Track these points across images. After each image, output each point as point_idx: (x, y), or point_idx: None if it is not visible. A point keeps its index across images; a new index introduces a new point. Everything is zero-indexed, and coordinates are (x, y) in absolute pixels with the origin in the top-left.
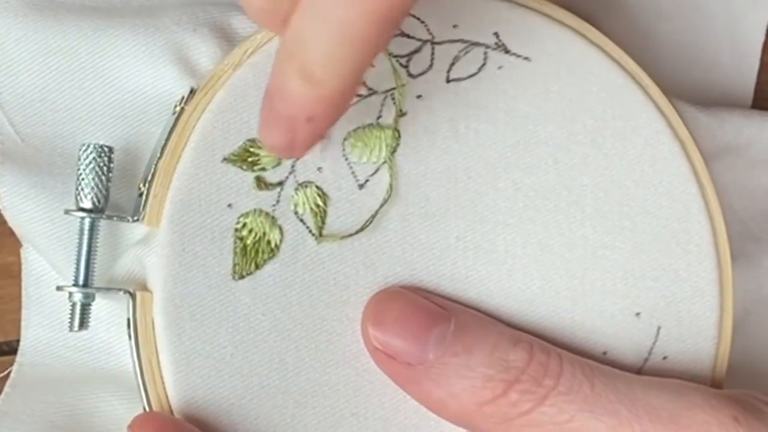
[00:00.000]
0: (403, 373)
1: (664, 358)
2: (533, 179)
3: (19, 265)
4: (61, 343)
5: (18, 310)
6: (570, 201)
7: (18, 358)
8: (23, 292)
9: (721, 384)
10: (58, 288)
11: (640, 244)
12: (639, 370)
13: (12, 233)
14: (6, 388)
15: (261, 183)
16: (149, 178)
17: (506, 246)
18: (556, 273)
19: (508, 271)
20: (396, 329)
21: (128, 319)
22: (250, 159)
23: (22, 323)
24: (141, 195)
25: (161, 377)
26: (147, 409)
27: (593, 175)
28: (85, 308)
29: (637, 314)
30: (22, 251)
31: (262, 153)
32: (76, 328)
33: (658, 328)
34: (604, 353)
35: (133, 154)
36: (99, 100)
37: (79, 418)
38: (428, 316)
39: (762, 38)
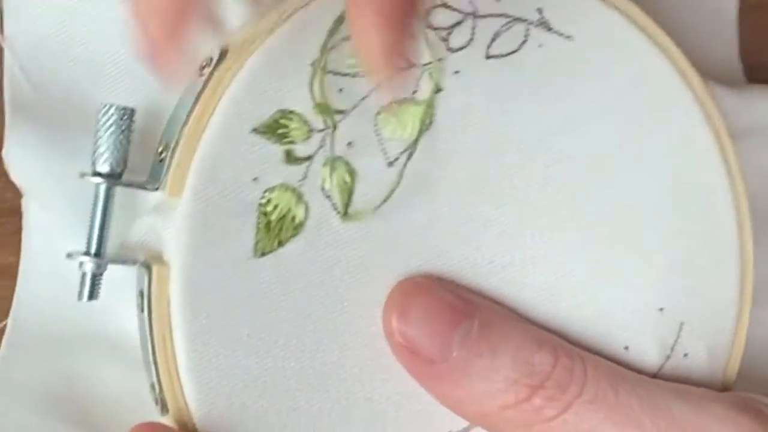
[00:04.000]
0: (424, 369)
1: (685, 355)
2: (567, 164)
3: (18, 266)
4: (60, 300)
5: None
6: (602, 188)
7: (12, 313)
8: (23, 242)
9: (731, 382)
10: (68, 255)
11: (669, 237)
12: (661, 367)
13: (13, 233)
14: (2, 350)
15: (290, 157)
16: (173, 145)
17: (533, 232)
18: (581, 262)
19: (533, 258)
20: (420, 325)
21: (140, 291)
22: (279, 131)
23: (19, 274)
24: (161, 161)
25: (174, 355)
26: (157, 387)
27: (628, 163)
28: (96, 278)
29: (661, 309)
30: (24, 201)
31: (292, 125)
32: (85, 299)
33: (681, 324)
34: (626, 348)
35: (153, 114)
36: (121, 54)
37: (78, 388)
38: (453, 313)
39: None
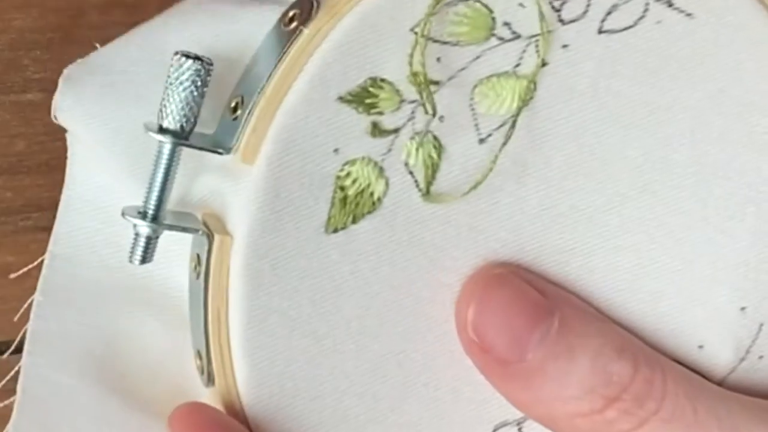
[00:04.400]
0: (495, 367)
1: (760, 357)
2: (665, 150)
3: (17, 266)
4: (100, 237)
5: (16, 311)
6: (698, 179)
7: (50, 246)
8: (67, 170)
9: None
10: (123, 214)
11: (762, 232)
12: (733, 369)
13: (12, 233)
14: (37, 296)
15: (376, 129)
16: (250, 106)
17: (620, 220)
18: (666, 254)
19: (615, 247)
20: (498, 322)
21: (197, 255)
22: (368, 100)
23: (60, 205)
24: (234, 119)
25: (227, 330)
26: (206, 359)
27: (730, 153)
28: (151, 242)
29: (743, 309)
30: (68, 135)
31: (382, 94)
32: (137, 262)
33: (761, 325)
34: (701, 347)
35: (225, 59)
36: None
37: (116, 344)
38: (535, 310)
39: None
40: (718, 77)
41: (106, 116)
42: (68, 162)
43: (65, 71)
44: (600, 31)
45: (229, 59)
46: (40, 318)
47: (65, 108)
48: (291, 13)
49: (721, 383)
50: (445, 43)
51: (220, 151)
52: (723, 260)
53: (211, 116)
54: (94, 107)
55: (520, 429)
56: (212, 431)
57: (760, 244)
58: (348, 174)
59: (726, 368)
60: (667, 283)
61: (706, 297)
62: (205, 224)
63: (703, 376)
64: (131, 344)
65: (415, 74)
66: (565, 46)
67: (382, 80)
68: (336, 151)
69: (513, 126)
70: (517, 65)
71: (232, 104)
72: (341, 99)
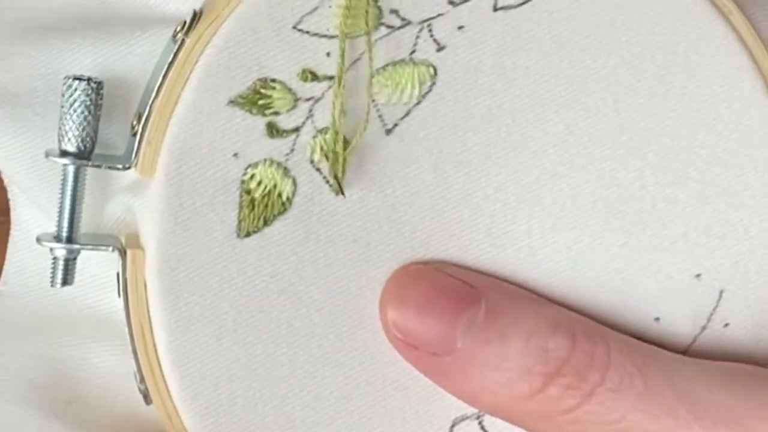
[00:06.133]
0: (428, 363)
1: (726, 325)
2: (589, 122)
3: None
4: (47, 277)
5: None
6: (630, 147)
7: (0, 287)
8: (11, 212)
9: None
10: (38, 240)
11: (707, 196)
12: (695, 339)
13: (8, 234)
14: None
15: (273, 130)
16: (143, 120)
17: (553, 198)
18: (608, 229)
19: (553, 226)
20: (418, 316)
21: (117, 274)
22: (261, 102)
23: (9, 245)
24: (134, 134)
25: (154, 345)
26: (138, 377)
27: (659, 118)
28: (69, 263)
29: (698, 276)
30: (3, 176)
31: (275, 95)
32: (58, 285)
33: (721, 292)
34: (657, 319)
35: (127, 80)
36: (89, 15)
37: (63, 373)
38: (456, 299)
39: None
40: (633, 41)
41: (19, 148)
42: (11, 203)
43: None
44: (495, 9)
45: (133, 81)
46: None
47: None
48: (178, 27)
49: (684, 354)
50: (332, 36)
51: (119, 166)
52: (669, 228)
53: (123, 140)
54: (5, 139)
55: (480, 422)
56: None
57: (708, 208)
58: (252, 177)
59: (687, 338)
60: (614, 257)
61: (656, 267)
62: (122, 244)
63: (666, 349)
64: (79, 371)
65: (304, 72)
66: (461, 27)
67: (273, 80)
68: (236, 155)
69: (417, 113)
70: (413, 51)
71: (133, 122)
72: (232, 102)
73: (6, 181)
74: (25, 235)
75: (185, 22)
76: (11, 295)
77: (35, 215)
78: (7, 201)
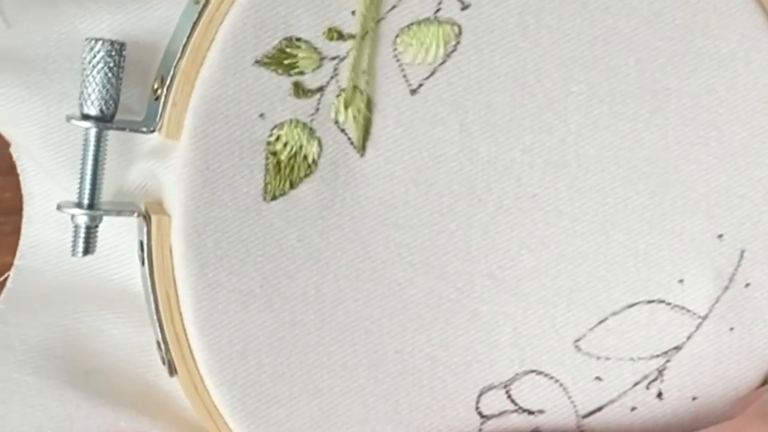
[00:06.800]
0: None
1: (747, 285)
2: (611, 82)
3: None
4: (63, 246)
5: None
6: (652, 107)
7: (16, 261)
8: (22, 187)
9: None
10: (59, 207)
11: (728, 156)
12: (717, 299)
13: (10, 233)
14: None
15: (299, 89)
16: (168, 82)
17: (578, 159)
18: (632, 190)
19: (579, 189)
20: None
21: (140, 243)
22: (286, 61)
23: (23, 219)
24: (157, 99)
25: (180, 313)
26: (162, 347)
27: (679, 77)
28: (91, 231)
29: (720, 236)
30: (12, 149)
31: (300, 54)
32: (80, 254)
33: (742, 252)
34: (681, 281)
35: (146, 44)
36: None
37: (80, 342)
38: None
39: None
40: (653, 1)
41: (34, 115)
42: (21, 178)
43: None
44: None
45: (151, 45)
46: (1, 323)
47: None
48: None
49: (707, 316)
50: None
51: (144, 129)
52: (692, 188)
53: (142, 105)
54: (21, 107)
55: (508, 391)
56: None
57: (728, 168)
58: (278, 138)
59: (710, 299)
60: (639, 219)
61: (680, 228)
62: (145, 210)
63: (688, 311)
64: (97, 343)
65: (330, 30)
66: None
67: (298, 39)
68: (262, 116)
69: (442, 72)
70: (438, 10)
71: (155, 86)
72: (258, 63)
73: (15, 156)
74: (39, 209)
75: None
76: (28, 269)
77: (48, 188)
78: (7, 201)
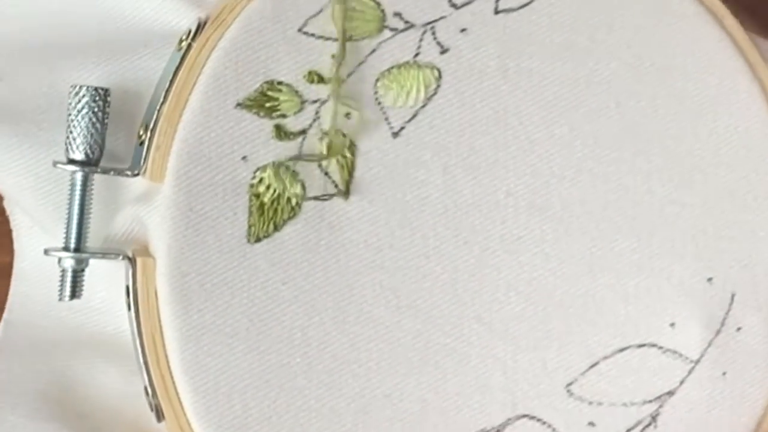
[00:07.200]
0: None
1: (738, 329)
2: (593, 125)
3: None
4: (54, 301)
5: None
6: (634, 150)
7: (6, 315)
8: (14, 242)
9: None
10: (46, 252)
11: (713, 199)
12: (710, 343)
13: (8, 233)
14: None
15: (281, 132)
16: (151, 126)
17: (563, 202)
18: (619, 233)
19: (565, 231)
20: None
21: (127, 287)
22: (268, 104)
23: (13, 275)
24: (141, 144)
25: (166, 356)
26: (149, 391)
27: (661, 120)
28: (77, 275)
29: (709, 279)
30: (5, 202)
31: (281, 97)
32: (67, 298)
33: (732, 295)
34: (672, 325)
35: (133, 93)
36: (92, 32)
37: (73, 390)
38: None
39: None
40: (631, 44)
41: (24, 165)
42: (14, 234)
43: None
44: (496, 11)
45: (138, 94)
46: None
47: None
48: (183, 36)
49: (699, 360)
50: (335, 40)
51: (128, 173)
52: (679, 231)
53: (129, 152)
54: (11, 155)
55: None
56: None
57: (714, 211)
58: (261, 180)
59: (702, 343)
60: (627, 262)
61: (669, 271)
62: (132, 253)
63: (680, 355)
64: (89, 389)
65: (310, 74)
66: (463, 30)
67: (279, 83)
68: (244, 158)
69: (423, 115)
70: (417, 54)
71: (140, 131)
72: (240, 105)
73: (8, 210)
74: (30, 264)
75: (190, 30)
76: (17, 323)
77: (40, 243)
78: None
